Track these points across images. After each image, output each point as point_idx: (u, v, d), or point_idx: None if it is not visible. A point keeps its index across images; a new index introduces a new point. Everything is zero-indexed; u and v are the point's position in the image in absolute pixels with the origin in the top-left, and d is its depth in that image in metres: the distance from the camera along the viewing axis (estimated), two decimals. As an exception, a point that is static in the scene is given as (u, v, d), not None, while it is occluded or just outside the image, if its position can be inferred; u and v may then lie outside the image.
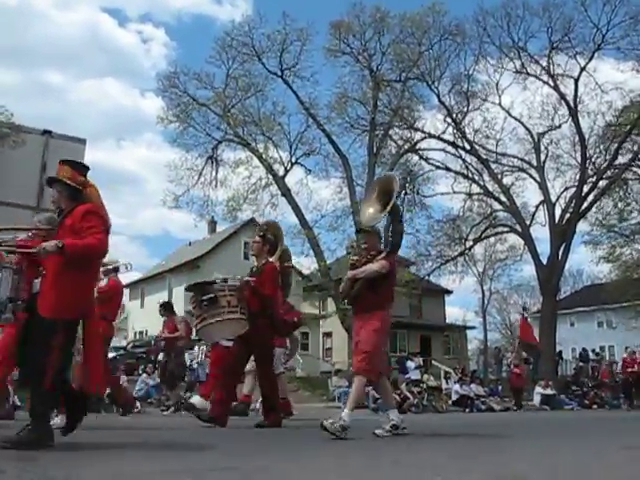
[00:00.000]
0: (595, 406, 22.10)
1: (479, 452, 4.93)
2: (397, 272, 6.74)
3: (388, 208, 6.32)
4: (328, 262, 28.46)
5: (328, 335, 39.15)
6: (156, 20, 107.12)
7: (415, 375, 21.11)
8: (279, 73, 29.28)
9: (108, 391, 15.81)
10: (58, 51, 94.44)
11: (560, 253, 30.50)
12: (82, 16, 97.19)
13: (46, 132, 24.22)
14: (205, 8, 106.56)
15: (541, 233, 33.47)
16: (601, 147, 31.35)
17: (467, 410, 20.11)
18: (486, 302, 54.53)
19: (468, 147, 31.38)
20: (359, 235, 6.87)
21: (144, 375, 17.93)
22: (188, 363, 23.55)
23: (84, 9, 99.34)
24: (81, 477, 3.32)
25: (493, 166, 31.95)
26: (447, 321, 46.36)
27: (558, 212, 31.46)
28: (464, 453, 4.87)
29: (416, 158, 32.44)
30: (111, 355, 27.64)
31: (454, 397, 21.13)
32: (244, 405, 10.28)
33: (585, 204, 30.77)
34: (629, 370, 21.54)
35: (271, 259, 8.26)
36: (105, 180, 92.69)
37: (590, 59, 30.20)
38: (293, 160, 29.42)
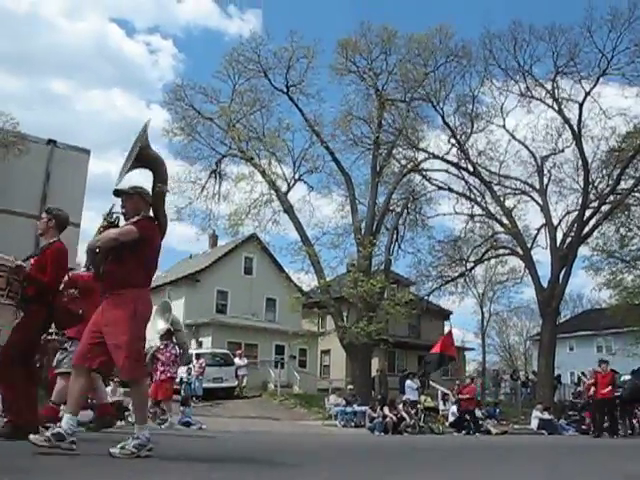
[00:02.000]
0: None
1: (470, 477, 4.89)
2: (154, 238, 5.37)
3: (132, 157, 5.30)
4: (328, 279, 28.43)
5: (326, 352, 39.04)
6: (164, 32, 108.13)
7: (414, 396, 21.08)
8: (285, 90, 29.41)
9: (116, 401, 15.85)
10: (65, 60, 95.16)
11: (561, 277, 30.46)
12: (90, 26, 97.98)
13: (51, 141, 24.50)
14: (214, 21, 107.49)
15: (542, 256, 33.47)
16: (604, 172, 31.39)
17: (464, 432, 20.02)
18: (485, 324, 54.51)
19: (471, 169, 31.43)
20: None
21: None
22: (185, 376, 23.64)
23: (93, 19, 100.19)
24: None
25: (496, 188, 31.99)
26: (446, 342, 46.15)
27: (560, 236, 31.48)
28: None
29: (419, 178, 32.54)
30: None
31: (451, 419, 21.05)
32: (109, 416, 9.13)
33: (587, 229, 30.77)
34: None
35: (55, 238, 7.18)
36: (109, 191, 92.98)
37: (595, 84, 30.31)
38: (296, 177, 29.52)
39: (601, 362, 19.14)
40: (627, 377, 19.76)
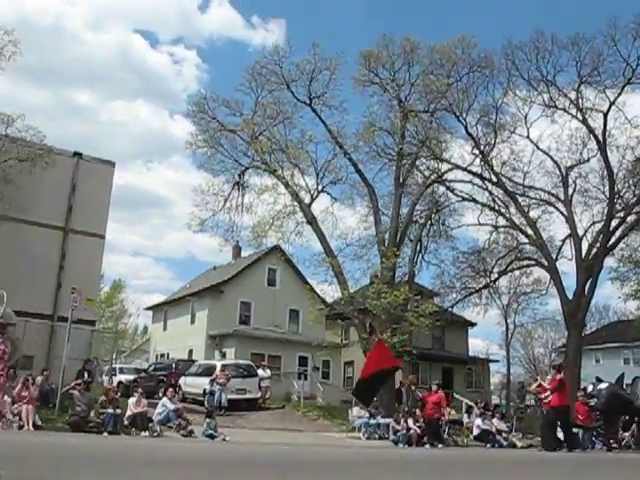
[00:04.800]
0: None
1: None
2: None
3: None
4: (352, 291, 28.37)
5: (349, 364, 38.94)
6: (188, 43, 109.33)
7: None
8: (307, 102, 29.46)
9: (128, 413, 15.97)
10: (89, 72, 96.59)
11: (586, 288, 30.16)
12: (114, 37, 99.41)
13: (76, 154, 24.85)
14: (239, 32, 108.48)
15: (567, 267, 33.17)
16: (630, 182, 31.06)
17: (488, 445, 19.82)
18: (510, 335, 53.99)
19: (495, 179, 31.27)
20: None
21: (164, 399, 17.90)
22: (208, 387, 23.70)
23: (117, 30, 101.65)
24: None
25: (520, 199, 31.76)
26: (470, 353, 45.91)
27: (585, 246, 31.15)
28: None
29: (442, 189, 32.44)
30: (131, 377, 27.97)
31: (475, 432, 20.87)
32: None
33: (613, 239, 30.44)
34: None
35: None
36: (133, 202, 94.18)
37: (620, 93, 30.01)
38: (319, 188, 29.47)
39: (555, 367, 18.23)
40: (603, 385, 18.39)
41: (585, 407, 18.65)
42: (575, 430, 17.58)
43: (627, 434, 19.34)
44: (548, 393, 16.30)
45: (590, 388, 18.51)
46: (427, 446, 18.08)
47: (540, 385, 17.39)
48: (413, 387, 21.15)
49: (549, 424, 16.39)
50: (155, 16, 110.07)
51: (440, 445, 18.21)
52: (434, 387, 20.25)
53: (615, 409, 17.84)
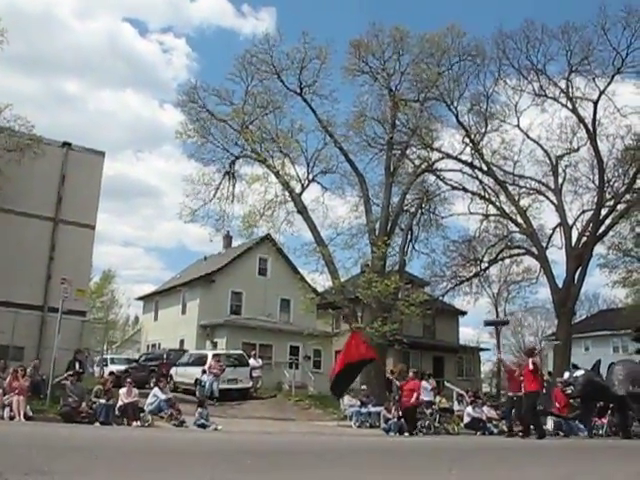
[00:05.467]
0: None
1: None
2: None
3: None
4: (342, 280, 28.41)
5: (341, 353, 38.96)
6: (178, 31, 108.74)
7: (429, 397, 20.96)
8: (298, 91, 29.39)
9: (120, 403, 15.96)
10: (78, 60, 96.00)
11: (576, 276, 30.32)
12: (103, 25, 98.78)
13: (66, 144, 24.68)
14: (229, 21, 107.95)
15: (557, 256, 33.42)
16: (620, 170, 31.23)
17: (479, 433, 19.93)
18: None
19: (485, 168, 31.34)
20: None
21: (156, 389, 17.89)
22: (200, 377, 23.72)
23: (105, 19, 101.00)
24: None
25: (510, 188, 31.89)
26: (461, 342, 46.10)
27: (575, 235, 31.38)
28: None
29: (433, 178, 32.54)
30: (123, 368, 27.93)
31: (466, 419, 20.97)
32: None
33: (602, 227, 30.63)
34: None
35: None
36: (123, 192, 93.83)
37: (609, 82, 30.14)
38: (310, 177, 29.44)
39: (528, 352, 18.25)
40: (579, 372, 18.05)
41: (563, 395, 18.78)
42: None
43: (605, 421, 19.51)
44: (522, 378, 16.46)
45: (566, 375, 18.54)
46: (406, 434, 17.81)
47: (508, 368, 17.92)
48: (390, 377, 20.99)
49: (530, 410, 16.27)
50: (144, 4, 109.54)
51: (406, 434, 17.81)
52: (410, 374, 19.80)
53: (591, 396, 17.77)
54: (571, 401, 19.12)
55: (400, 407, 18.63)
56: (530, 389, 16.10)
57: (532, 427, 16.38)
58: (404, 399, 18.47)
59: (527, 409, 16.30)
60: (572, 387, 17.58)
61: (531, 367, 16.18)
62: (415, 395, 18.52)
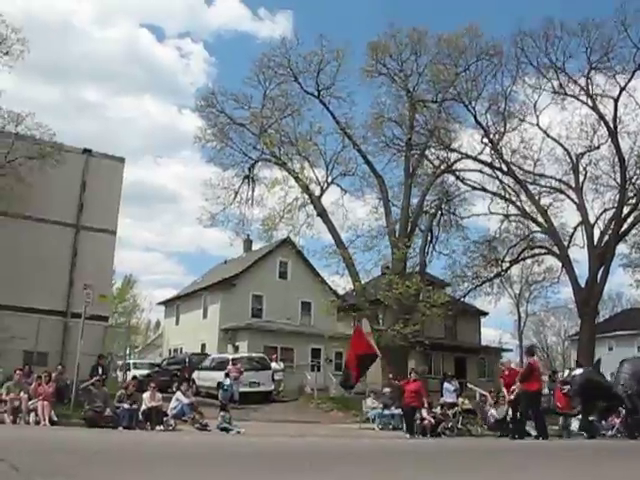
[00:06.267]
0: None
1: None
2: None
3: None
4: (363, 282, 28.35)
5: (362, 355, 38.85)
6: (195, 36, 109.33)
7: (451, 398, 20.84)
8: (316, 93, 29.43)
9: (143, 408, 16.04)
10: (97, 68, 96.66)
11: (599, 276, 30.03)
12: (121, 32, 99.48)
13: (86, 151, 24.90)
14: (246, 25, 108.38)
15: (579, 255, 33.11)
16: (642, 168, 30.87)
17: (503, 435, 19.76)
18: (522, 324, 53.92)
19: (505, 168, 31.15)
20: None
21: (178, 393, 17.96)
22: (222, 382, 23.78)
23: (124, 25, 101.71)
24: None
25: (530, 187, 31.64)
26: (482, 343, 45.82)
27: (597, 234, 31.06)
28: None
29: (452, 178, 32.40)
30: (145, 372, 28.08)
31: (490, 421, 20.79)
32: None
33: (625, 226, 30.29)
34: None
35: None
36: (143, 198, 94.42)
37: (630, 79, 29.86)
38: (329, 180, 29.46)
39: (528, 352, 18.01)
40: (578, 371, 18.04)
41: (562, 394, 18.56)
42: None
43: (617, 422, 19.02)
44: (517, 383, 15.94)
45: (565, 374, 18.32)
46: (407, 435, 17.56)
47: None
48: (390, 375, 20.97)
49: (535, 410, 15.85)
50: (161, 10, 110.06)
51: (408, 435, 17.48)
52: (413, 375, 19.30)
53: (590, 395, 17.31)
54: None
55: (401, 407, 18.64)
56: (529, 389, 15.58)
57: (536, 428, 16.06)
58: (406, 400, 18.24)
59: (524, 409, 15.88)
60: (569, 386, 17.40)
61: (523, 369, 15.99)
62: (419, 397, 18.24)
